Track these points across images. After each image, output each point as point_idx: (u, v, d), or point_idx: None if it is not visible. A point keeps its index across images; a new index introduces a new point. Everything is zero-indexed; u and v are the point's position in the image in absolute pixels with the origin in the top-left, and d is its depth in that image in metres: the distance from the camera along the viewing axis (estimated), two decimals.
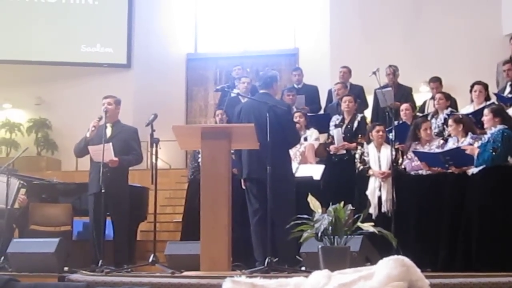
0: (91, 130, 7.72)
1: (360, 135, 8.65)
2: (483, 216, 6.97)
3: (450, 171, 7.41)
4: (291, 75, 11.69)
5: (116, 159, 7.58)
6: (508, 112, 7.57)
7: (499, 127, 7.06)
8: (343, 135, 8.76)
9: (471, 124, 7.56)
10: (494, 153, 6.93)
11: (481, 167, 7.05)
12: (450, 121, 7.60)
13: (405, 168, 7.90)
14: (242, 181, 6.90)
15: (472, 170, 7.17)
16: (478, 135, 7.36)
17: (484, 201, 6.99)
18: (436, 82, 9.84)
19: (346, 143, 8.69)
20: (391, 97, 9.57)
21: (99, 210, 7.40)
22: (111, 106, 7.91)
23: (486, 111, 7.31)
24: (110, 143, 7.58)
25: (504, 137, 6.94)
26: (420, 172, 7.72)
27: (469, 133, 7.45)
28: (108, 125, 7.89)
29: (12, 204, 8.11)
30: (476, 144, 7.21)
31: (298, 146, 8.32)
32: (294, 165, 7.95)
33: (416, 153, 7.73)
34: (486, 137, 7.13)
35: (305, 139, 8.84)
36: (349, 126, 8.86)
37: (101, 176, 7.22)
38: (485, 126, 7.26)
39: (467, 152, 7.18)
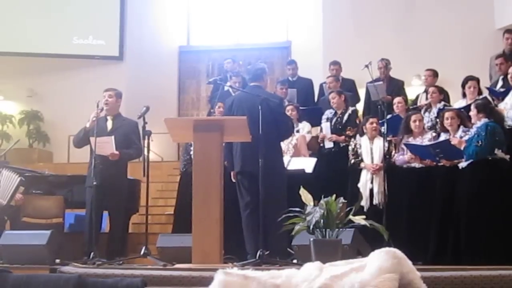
0: (91, 120, 7.56)
1: (349, 128, 8.67)
2: (472, 209, 7.04)
3: (441, 164, 7.47)
4: (286, 68, 11.68)
5: (117, 152, 7.55)
6: (493, 106, 7.65)
7: (484, 120, 7.15)
8: (332, 127, 8.80)
9: (465, 118, 7.61)
10: (478, 147, 7.00)
11: (469, 161, 7.11)
12: (451, 114, 7.61)
13: (394, 162, 7.94)
14: (232, 174, 6.91)
15: (462, 163, 7.23)
16: (469, 129, 7.42)
17: (473, 194, 7.06)
18: (430, 71, 9.87)
19: (334, 135, 8.72)
20: (382, 91, 9.59)
21: (97, 202, 7.35)
22: (112, 99, 7.86)
23: (472, 106, 7.42)
24: (112, 136, 7.55)
25: (488, 130, 7.06)
26: (412, 165, 7.76)
27: (461, 126, 7.50)
28: (109, 117, 7.86)
29: (9, 201, 8.09)
30: (466, 137, 7.27)
31: (290, 138, 8.35)
32: (286, 158, 7.96)
33: (407, 145, 7.79)
34: (472, 132, 7.23)
35: (297, 132, 8.86)
36: (339, 119, 8.89)
37: (92, 169, 7.20)
38: (472, 121, 7.36)
39: (453, 143, 7.28)
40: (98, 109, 7.58)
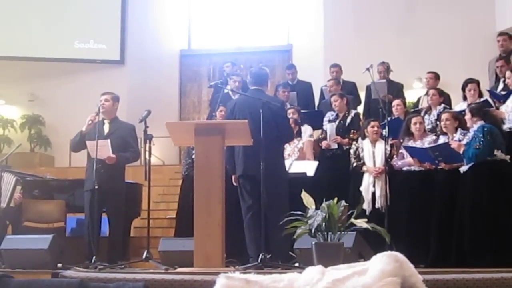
0: (87, 124, 7.60)
1: (353, 131, 8.68)
2: (474, 212, 7.02)
3: (440, 167, 7.46)
4: (285, 73, 11.69)
5: (114, 156, 7.56)
6: (488, 109, 7.66)
7: (480, 123, 7.17)
8: (335, 130, 8.80)
9: (464, 120, 7.62)
10: (477, 149, 7.01)
11: (470, 164, 7.12)
12: (447, 115, 7.61)
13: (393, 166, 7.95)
14: (233, 177, 6.90)
15: (463, 167, 7.23)
16: (467, 131, 7.43)
17: (475, 197, 7.06)
18: (432, 74, 9.90)
19: (338, 137, 8.72)
20: (383, 89, 9.60)
21: (94, 206, 7.37)
22: (108, 102, 7.86)
23: (466, 111, 7.46)
24: (108, 140, 7.56)
25: (485, 132, 7.10)
26: (412, 168, 7.76)
27: (459, 129, 7.51)
28: (106, 121, 7.88)
29: (8, 202, 8.08)
30: (465, 140, 7.28)
31: (296, 142, 8.40)
32: (288, 161, 7.96)
33: (406, 148, 7.79)
34: (470, 136, 7.24)
35: (299, 134, 8.85)
36: (342, 122, 8.90)
37: (94, 173, 7.20)
38: (468, 125, 7.38)
39: (453, 146, 7.28)
40: (94, 112, 7.61)
